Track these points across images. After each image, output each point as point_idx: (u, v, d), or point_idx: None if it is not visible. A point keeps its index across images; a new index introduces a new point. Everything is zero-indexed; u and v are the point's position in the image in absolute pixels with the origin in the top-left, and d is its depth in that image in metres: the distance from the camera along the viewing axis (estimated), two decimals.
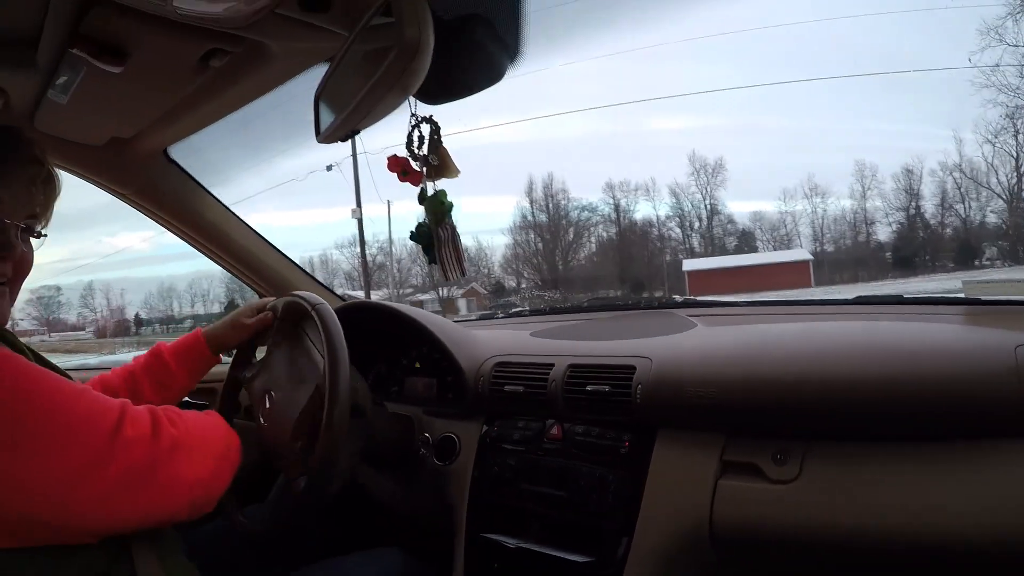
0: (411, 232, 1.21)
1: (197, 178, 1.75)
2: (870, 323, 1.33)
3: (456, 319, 2.10)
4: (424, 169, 1.13)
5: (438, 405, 1.63)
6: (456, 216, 1.17)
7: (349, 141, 1.12)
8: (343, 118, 0.99)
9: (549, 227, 41.08)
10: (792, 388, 1.13)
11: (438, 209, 1.15)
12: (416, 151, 1.13)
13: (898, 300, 1.49)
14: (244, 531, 1.29)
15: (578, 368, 1.39)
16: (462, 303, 38.72)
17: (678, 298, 1.84)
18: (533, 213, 41.50)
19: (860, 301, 1.56)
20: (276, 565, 1.31)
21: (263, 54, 1.10)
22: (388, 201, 26.54)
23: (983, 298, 1.35)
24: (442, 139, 1.11)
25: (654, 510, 1.22)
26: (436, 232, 1.16)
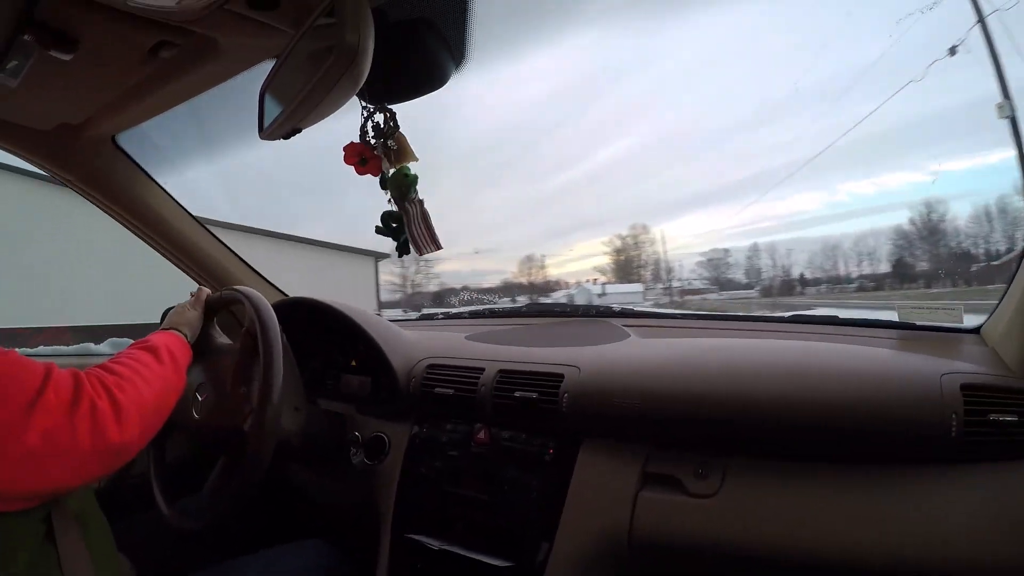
0: (376, 226, 1.24)
1: (147, 167, 1.74)
2: (800, 343, 1.35)
3: (395, 319, 2.11)
4: (384, 155, 1.17)
5: (371, 404, 1.64)
6: None
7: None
8: (286, 115, 1.00)
9: None
10: (716, 404, 1.15)
11: (402, 183, 1.17)
12: (372, 142, 1.16)
13: (833, 321, 1.52)
14: (178, 527, 1.30)
15: (508, 374, 1.41)
16: None
17: (615, 307, 1.86)
18: None
19: (796, 320, 1.58)
20: (205, 557, 1.33)
21: (212, 48, 1.12)
22: None
23: (917, 323, 1.38)
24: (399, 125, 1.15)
25: (575, 518, 1.24)
26: (404, 208, 1.19)
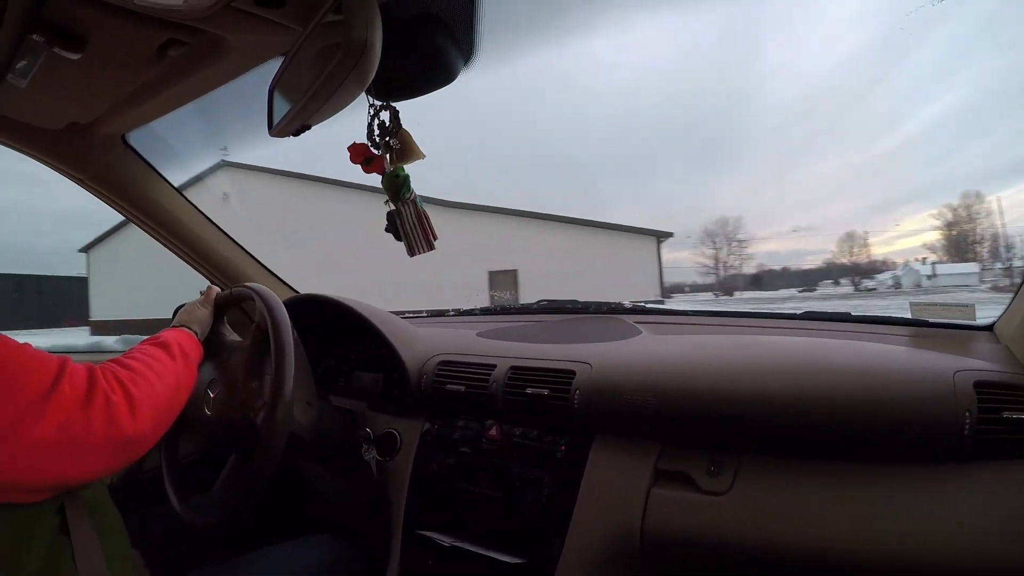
0: (385, 226, 1.23)
1: (158, 165, 1.75)
2: (813, 340, 1.34)
3: (407, 316, 2.11)
4: (388, 155, 1.15)
5: (383, 400, 1.65)
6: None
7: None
8: (295, 112, 1.00)
9: None
10: (727, 401, 1.15)
11: (393, 184, 1.16)
12: (377, 140, 1.15)
13: (846, 318, 1.50)
14: (190, 523, 1.31)
15: (519, 370, 1.41)
16: None
17: (627, 304, 1.85)
18: None
19: (808, 316, 1.57)
20: (217, 552, 1.34)
21: (220, 46, 1.11)
22: None
23: (929, 320, 1.37)
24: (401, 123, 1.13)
25: (587, 515, 1.24)
26: (397, 209, 1.18)
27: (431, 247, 1.19)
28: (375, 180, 1.18)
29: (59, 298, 20.25)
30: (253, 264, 2.03)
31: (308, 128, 1.06)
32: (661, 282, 16.58)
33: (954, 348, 1.20)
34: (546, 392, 1.34)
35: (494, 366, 1.45)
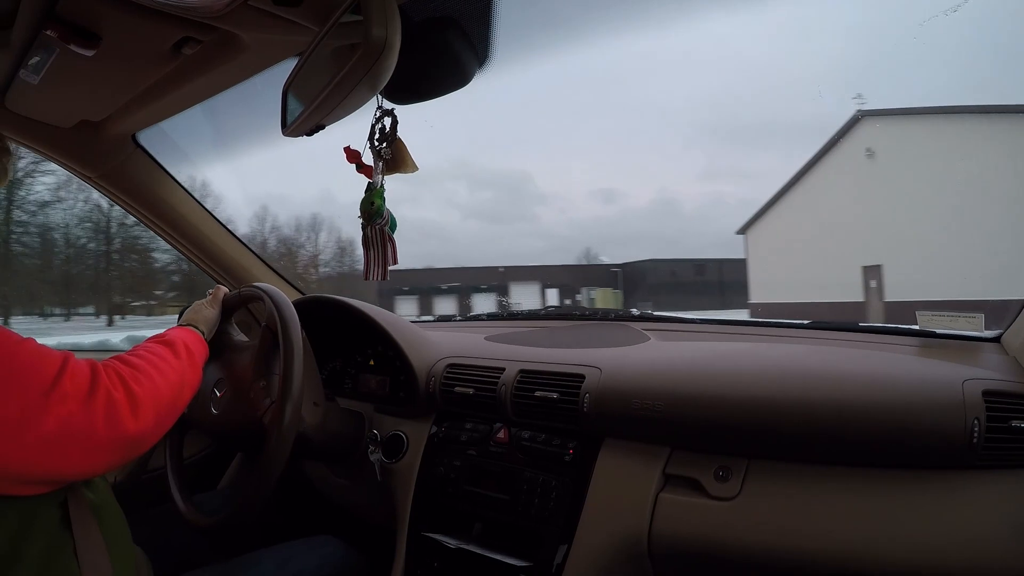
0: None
1: (167, 165, 1.75)
2: (821, 348, 1.34)
3: (414, 319, 2.11)
4: (379, 163, 1.15)
5: (389, 403, 1.65)
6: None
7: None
8: (309, 112, 1.00)
9: None
10: (737, 407, 1.14)
11: (367, 209, 1.17)
12: (376, 144, 1.15)
13: (853, 327, 1.49)
14: (195, 523, 1.31)
15: (528, 374, 1.41)
16: None
17: (635, 311, 1.85)
18: None
19: (815, 326, 1.56)
20: (220, 551, 1.33)
21: (235, 45, 1.11)
22: None
23: (937, 331, 1.36)
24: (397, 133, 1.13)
25: (594, 519, 1.23)
26: (365, 231, 1.18)
27: (385, 276, 1.20)
28: None
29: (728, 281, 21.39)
30: (260, 265, 2.03)
31: (322, 127, 1.05)
32: None
33: (962, 358, 1.19)
34: (555, 396, 1.33)
35: (503, 369, 1.45)
